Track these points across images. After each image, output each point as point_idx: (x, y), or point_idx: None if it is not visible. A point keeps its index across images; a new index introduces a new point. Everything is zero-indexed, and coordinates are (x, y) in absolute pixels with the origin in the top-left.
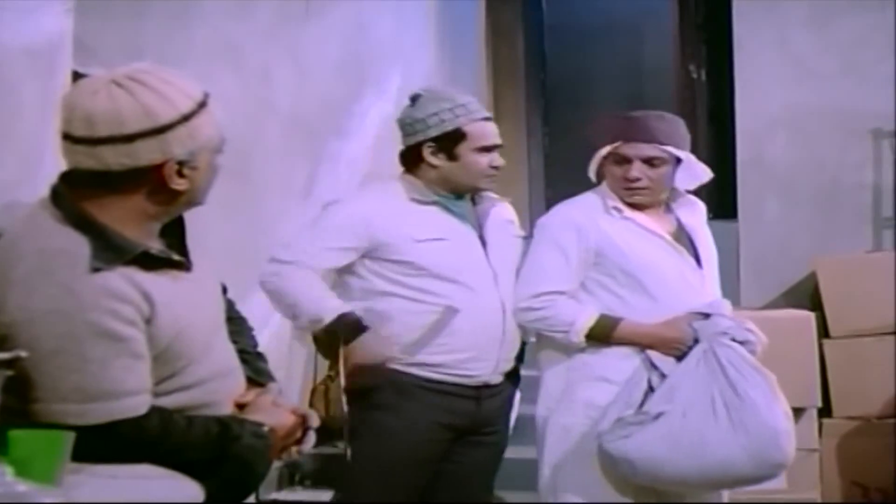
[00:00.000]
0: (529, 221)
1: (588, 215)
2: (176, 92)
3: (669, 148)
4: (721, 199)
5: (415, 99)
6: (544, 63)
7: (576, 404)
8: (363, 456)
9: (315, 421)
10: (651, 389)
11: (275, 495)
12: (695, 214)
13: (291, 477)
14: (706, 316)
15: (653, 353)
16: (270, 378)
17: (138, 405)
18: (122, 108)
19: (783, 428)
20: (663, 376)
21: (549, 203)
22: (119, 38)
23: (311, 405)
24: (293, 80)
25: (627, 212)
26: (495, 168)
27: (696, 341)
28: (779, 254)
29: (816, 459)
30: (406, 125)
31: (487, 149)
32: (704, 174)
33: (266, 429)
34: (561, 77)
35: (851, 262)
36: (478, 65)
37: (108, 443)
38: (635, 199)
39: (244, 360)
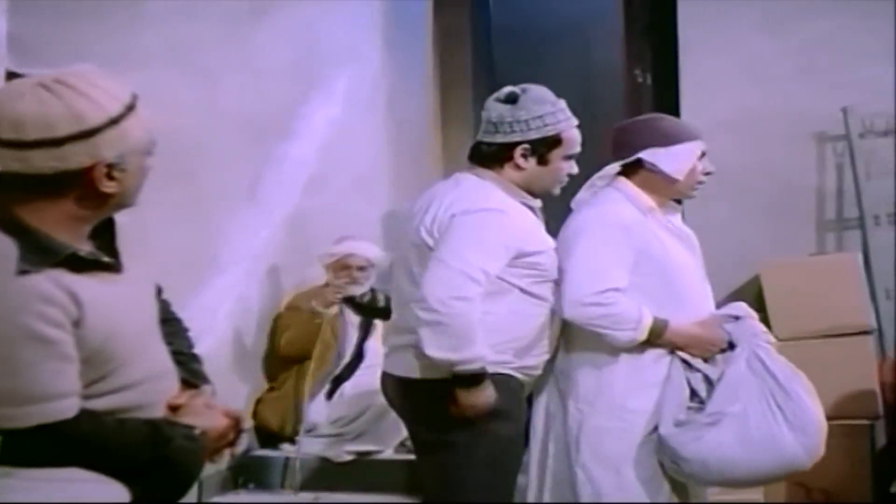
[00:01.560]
0: None
1: (633, 216)
2: (104, 95)
3: None
4: None
5: (513, 97)
6: (492, 66)
7: (613, 406)
8: (482, 462)
9: (247, 423)
10: (692, 391)
11: (218, 499)
12: (678, 217)
13: (235, 480)
14: (735, 318)
15: (687, 355)
16: (205, 380)
17: (67, 408)
18: (50, 112)
19: (825, 424)
20: (707, 378)
21: None
22: (64, 39)
23: (257, 412)
24: (240, 83)
25: (659, 213)
26: (570, 176)
27: (731, 344)
28: (724, 257)
29: None
30: (504, 123)
31: (572, 156)
32: None
33: (198, 431)
34: (510, 80)
35: (794, 265)
36: (426, 68)
37: (38, 446)
38: (694, 194)
39: (179, 362)
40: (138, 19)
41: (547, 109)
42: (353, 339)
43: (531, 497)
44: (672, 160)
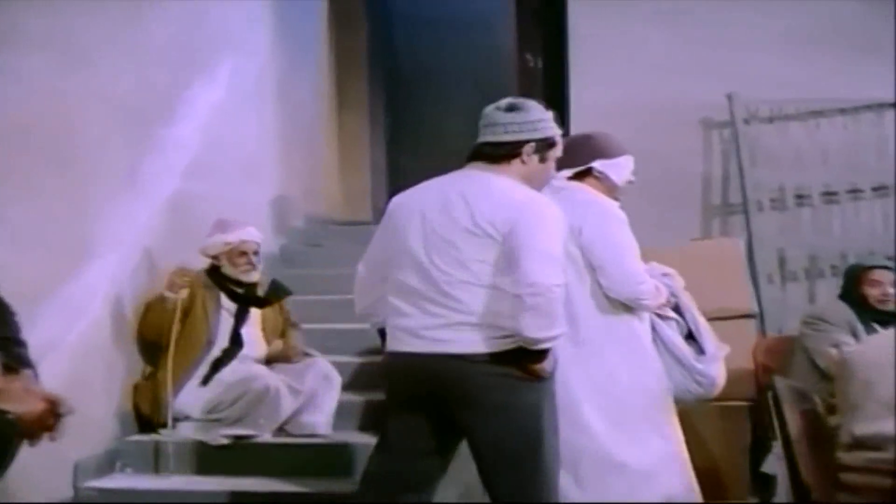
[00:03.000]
0: (371, 208)
1: None
2: None
3: None
4: None
5: (514, 107)
6: (389, 52)
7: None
8: (548, 413)
9: (67, 408)
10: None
11: (93, 483)
12: None
13: (112, 464)
14: (664, 275)
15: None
16: (27, 365)
17: None
18: None
19: None
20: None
21: (391, 191)
22: None
23: (134, 397)
24: (119, 66)
25: None
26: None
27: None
28: None
29: None
30: (514, 124)
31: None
32: None
33: (12, 415)
34: (408, 65)
35: (677, 250)
36: (320, 53)
37: None
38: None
39: (2, 347)
40: (14, 0)
41: (545, 116)
42: (228, 325)
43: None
44: (617, 169)
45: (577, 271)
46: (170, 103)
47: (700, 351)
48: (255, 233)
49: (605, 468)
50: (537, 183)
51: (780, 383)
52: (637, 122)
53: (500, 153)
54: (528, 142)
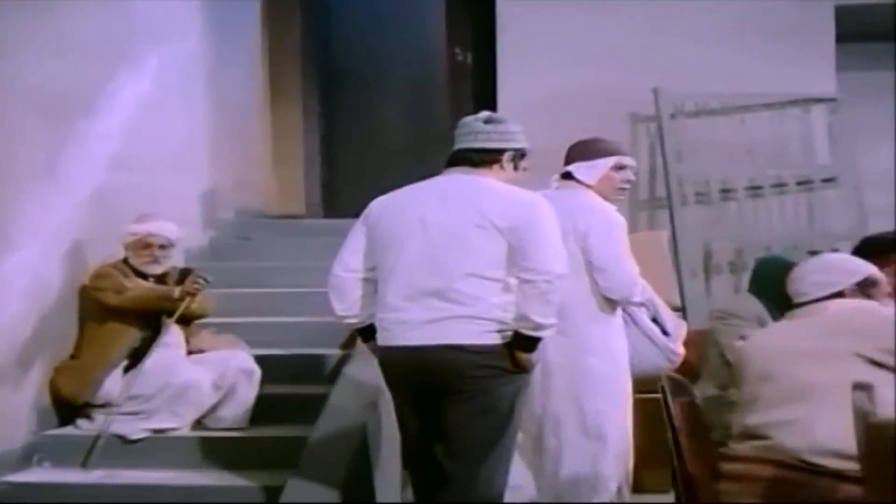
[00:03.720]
0: (304, 200)
1: None
2: None
3: None
4: None
5: (492, 119)
6: (323, 45)
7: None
8: (517, 422)
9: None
10: None
11: (11, 477)
12: None
13: (29, 458)
14: None
15: None
16: None
17: None
18: None
19: None
20: None
21: (325, 182)
22: None
23: (53, 382)
24: (40, 57)
25: None
26: None
27: None
28: None
29: None
30: (496, 133)
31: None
32: None
33: None
34: (343, 59)
35: None
36: (254, 46)
37: None
38: (618, 197)
39: None
40: None
41: (519, 129)
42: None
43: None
44: (587, 171)
45: (574, 267)
46: (93, 95)
47: (664, 331)
48: (166, 227)
49: (570, 437)
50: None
51: (665, 376)
52: (564, 116)
53: (483, 159)
54: (506, 150)
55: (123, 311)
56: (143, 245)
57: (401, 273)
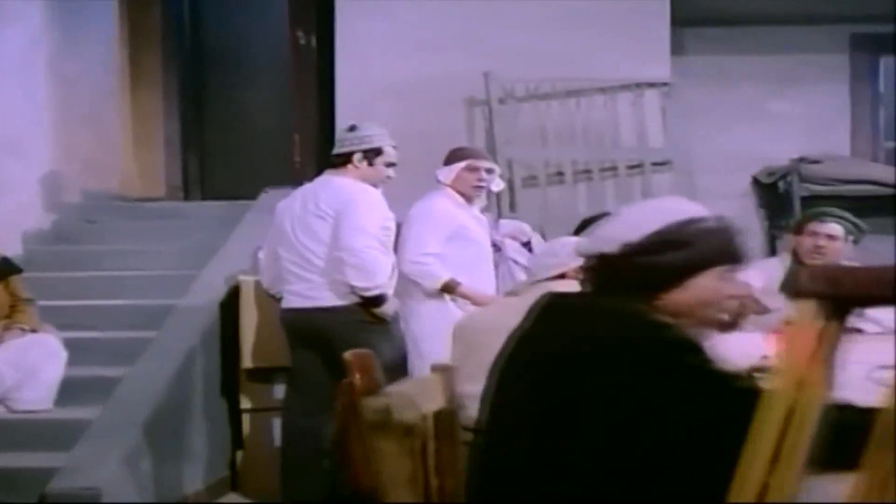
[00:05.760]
0: (165, 183)
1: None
2: None
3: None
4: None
5: (353, 127)
6: (183, 29)
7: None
8: (397, 337)
9: None
10: None
11: None
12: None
13: None
14: None
15: None
16: None
17: None
18: None
19: None
20: None
21: (185, 166)
22: None
23: None
24: None
25: (466, 206)
26: (389, 178)
27: None
28: None
29: None
30: (347, 139)
31: (390, 164)
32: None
33: None
34: (204, 44)
35: None
36: (112, 29)
37: None
38: (474, 193)
39: None
40: None
41: (374, 132)
42: None
43: None
44: (443, 173)
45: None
46: None
47: None
48: None
49: None
50: (371, 180)
51: None
52: (402, 101)
53: (339, 161)
54: (355, 152)
55: None
56: None
57: (286, 254)
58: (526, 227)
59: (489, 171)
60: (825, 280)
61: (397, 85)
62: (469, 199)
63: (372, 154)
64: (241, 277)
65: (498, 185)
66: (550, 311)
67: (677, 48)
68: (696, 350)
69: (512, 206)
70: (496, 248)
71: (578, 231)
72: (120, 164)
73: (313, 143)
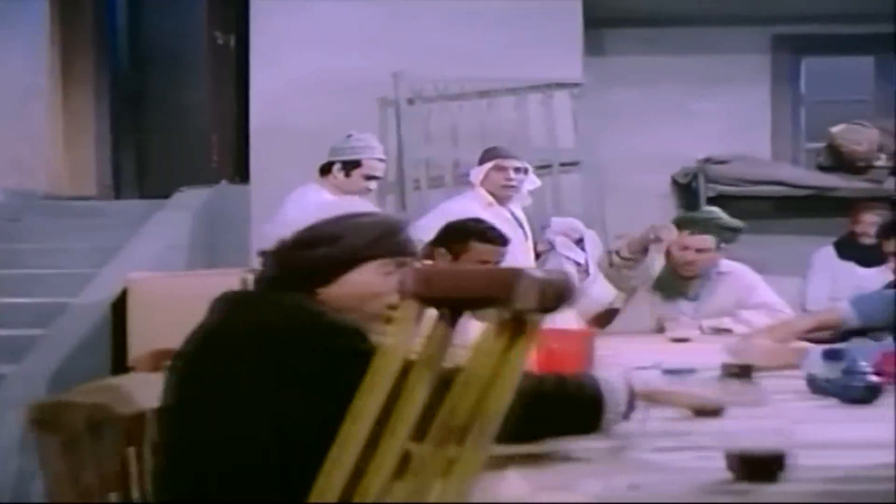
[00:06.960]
0: (95, 182)
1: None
2: None
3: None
4: (245, 164)
5: (347, 138)
6: (115, 29)
7: None
8: None
9: None
10: None
11: None
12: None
13: None
14: None
15: None
16: None
17: None
18: None
19: None
20: None
21: (116, 165)
22: None
23: None
24: None
25: (496, 206)
26: (368, 189)
27: None
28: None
29: None
30: (332, 149)
31: (370, 177)
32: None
33: None
34: (144, 42)
35: None
36: (43, 28)
37: None
38: (506, 193)
39: None
40: None
41: (358, 143)
42: None
43: None
44: (474, 173)
45: None
46: None
47: None
48: None
49: None
50: (348, 190)
51: None
52: (315, 99)
53: (323, 171)
54: (334, 162)
55: None
56: None
57: None
58: (578, 224)
59: (518, 170)
60: (424, 282)
61: (310, 84)
62: (500, 200)
63: (350, 165)
64: (130, 276)
65: (533, 183)
66: (230, 304)
67: (597, 49)
68: (349, 333)
69: (404, 208)
70: (550, 245)
71: (443, 235)
72: (49, 163)
73: (231, 143)
